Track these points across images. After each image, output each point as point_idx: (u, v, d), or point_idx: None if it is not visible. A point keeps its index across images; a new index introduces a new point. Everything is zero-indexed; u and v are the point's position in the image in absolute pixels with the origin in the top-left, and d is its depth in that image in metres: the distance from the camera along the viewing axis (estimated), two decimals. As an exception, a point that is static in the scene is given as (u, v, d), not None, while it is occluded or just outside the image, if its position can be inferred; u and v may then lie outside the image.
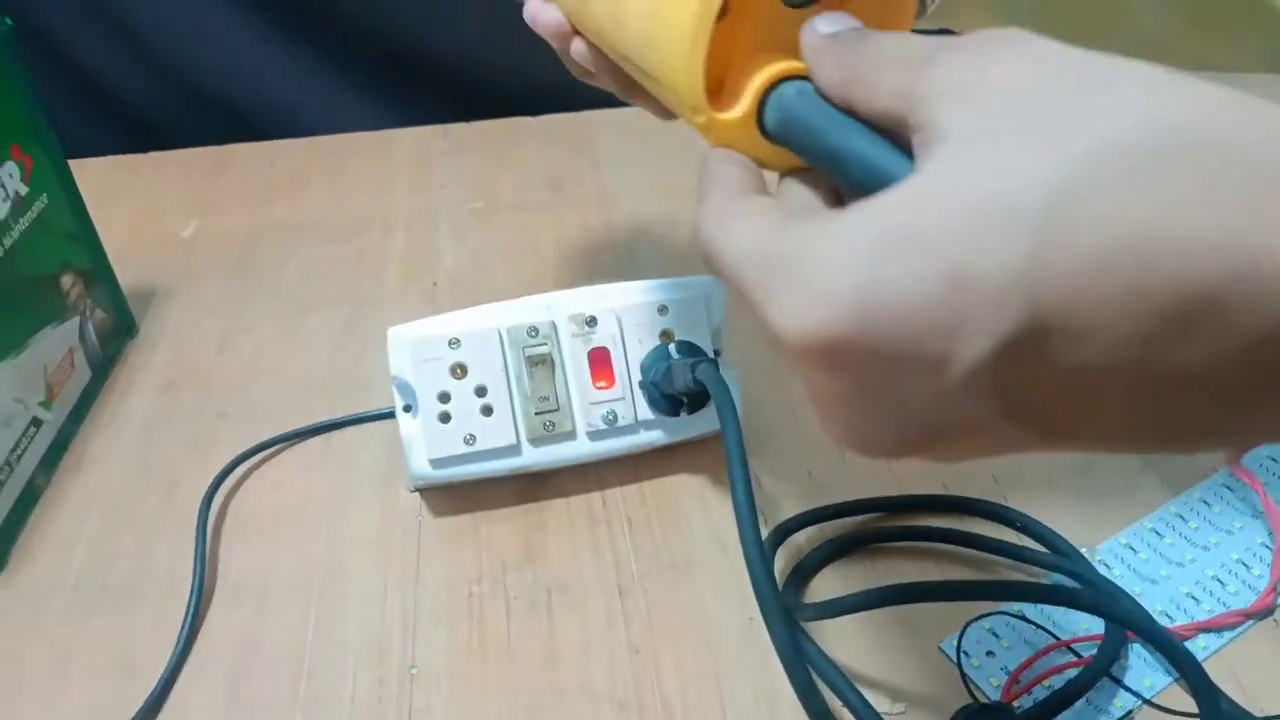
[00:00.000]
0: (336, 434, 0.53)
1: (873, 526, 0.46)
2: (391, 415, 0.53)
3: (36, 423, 0.51)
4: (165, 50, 0.81)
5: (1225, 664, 0.40)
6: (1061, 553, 0.44)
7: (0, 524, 0.47)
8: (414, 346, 0.46)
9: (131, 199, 0.74)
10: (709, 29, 0.28)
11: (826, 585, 0.44)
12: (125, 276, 0.61)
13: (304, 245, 0.68)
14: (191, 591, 0.45)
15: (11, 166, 0.50)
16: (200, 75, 0.82)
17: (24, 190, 0.51)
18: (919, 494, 0.47)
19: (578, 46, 0.38)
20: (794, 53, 0.28)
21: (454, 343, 0.46)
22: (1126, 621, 0.39)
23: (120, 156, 0.79)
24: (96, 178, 0.76)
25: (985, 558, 0.45)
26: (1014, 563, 0.44)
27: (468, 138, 0.81)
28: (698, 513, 0.48)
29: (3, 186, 0.49)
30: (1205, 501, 0.46)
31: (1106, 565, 0.44)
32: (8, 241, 0.49)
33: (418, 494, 0.50)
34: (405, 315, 0.61)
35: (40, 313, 0.52)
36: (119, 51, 0.81)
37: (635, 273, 0.64)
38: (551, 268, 0.65)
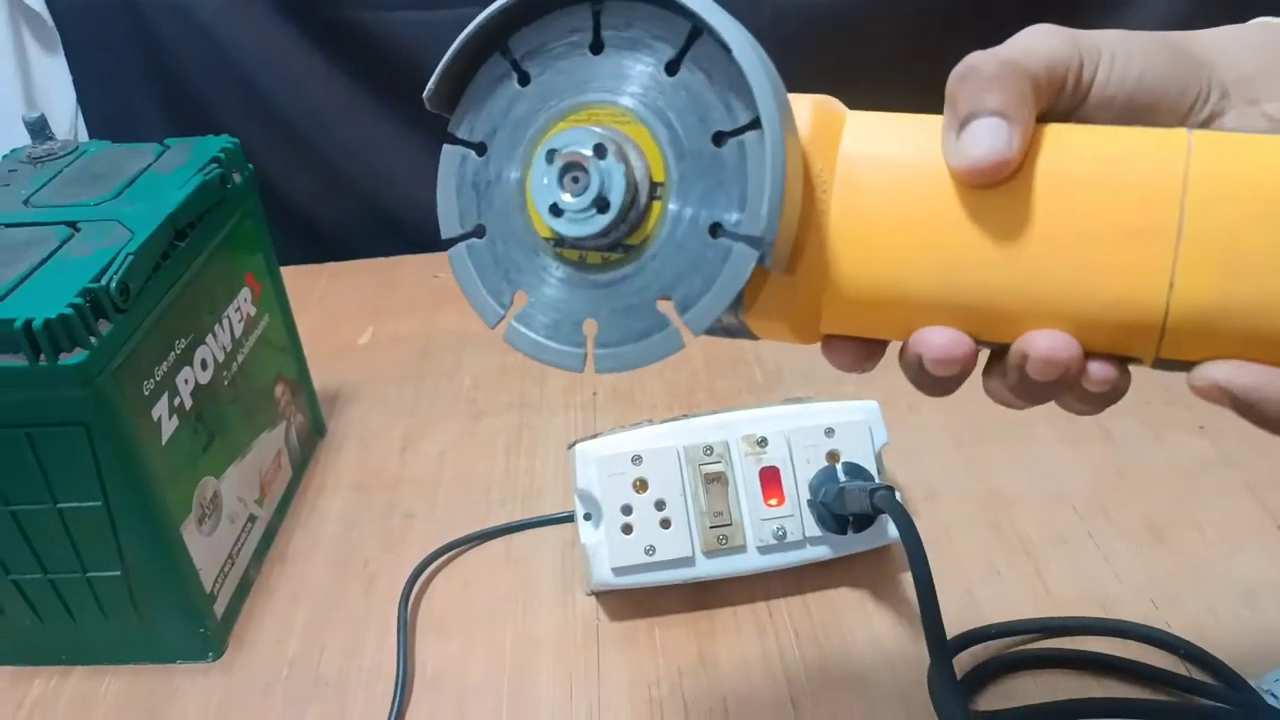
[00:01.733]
0: (516, 536, 0.58)
1: (1040, 648, 0.48)
2: (566, 520, 0.57)
3: (251, 519, 0.56)
4: (346, 169, 0.89)
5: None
6: (1229, 682, 0.45)
7: (223, 613, 0.52)
8: (600, 462, 0.50)
9: (313, 307, 0.82)
10: None
11: (991, 702, 0.46)
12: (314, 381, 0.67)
13: (473, 353, 0.74)
14: (396, 684, 0.49)
15: (246, 292, 0.57)
16: (375, 191, 0.90)
17: (253, 312, 0.57)
18: (1080, 616, 0.49)
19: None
20: None
21: (636, 459, 0.50)
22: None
23: (300, 266, 0.87)
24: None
25: (1152, 686, 0.46)
26: (1180, 693, 0.45)
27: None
28: (860, 626, 0.50)
29: (239, 309, 0.56)
30: (1374, 636, 0.47)
31: (1275, 695, 0.45)
32: (240, 358, 0.55)
33: (593, 597, 0.53)
34: (570, 423, 0.66)
35: (260, 420, 0.58)
36: (305, 168, 0.90)
37: (782, 390, 0.68)
38: (702, 381, 0.69)
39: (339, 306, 0.82)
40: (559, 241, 0.27)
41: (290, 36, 0.86)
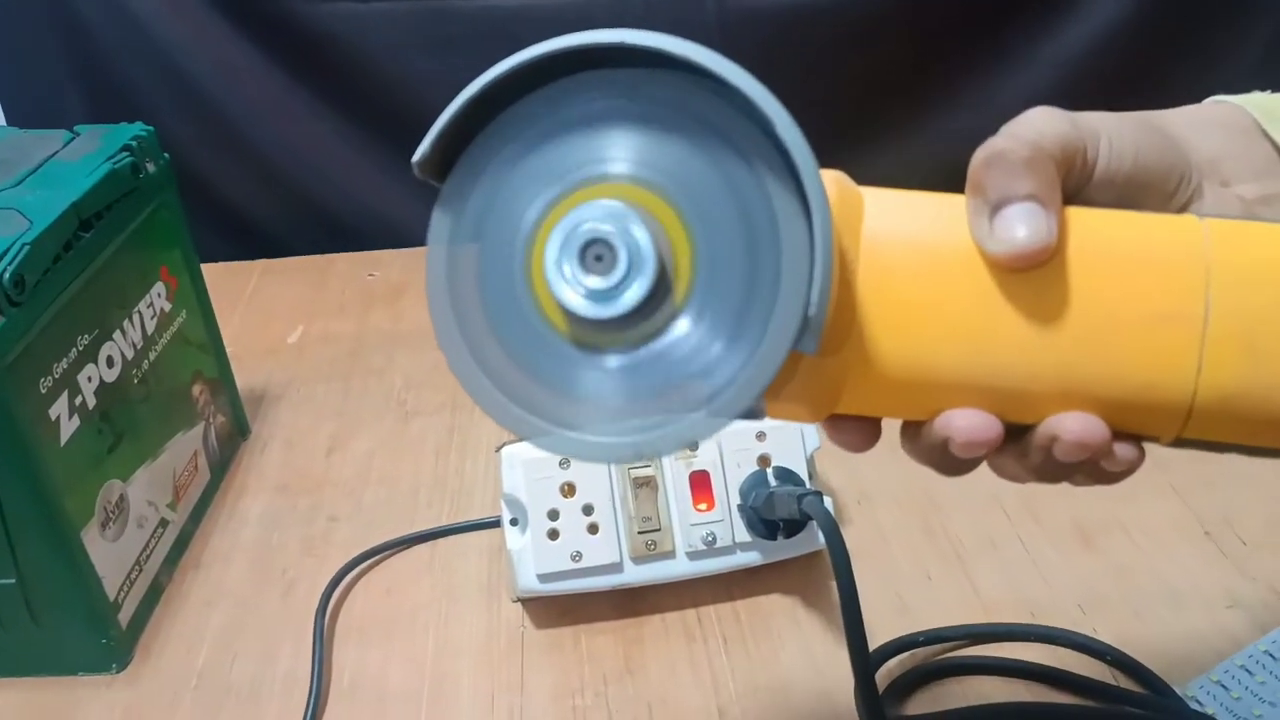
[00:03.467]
0: (442, 541, 0.56)
1: (968, 656, 0.47)
2: (493, 525, 0.56)
3: (163, 523, 0.54)
4: (280, 165, 0.87)
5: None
6: (1155, 689, 0.45)
7: (128, 622, 0.50)
8: (527, 466, 0.49)
9: (242, 304, 0.79)
10: None
11: (920, 708, 0.45)
12: (237, 380, 0.65)
13: (405, 353, 0.72)
14: (310, 693, 0.47)
15: (160, 286, 0.54)
16: (310, 186, 0.88)
17: (168, 307, 0.55)
18: (1009, 623, 0.49)
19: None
20: None
21: (564, 463, 0.49)
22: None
23: (230, 263, 0.84)
24: (210, 283, 0.81)
25: (1079, 693, 0.46)
26: (1107, 701, 0.45)
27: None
28: (790, 632, 0.50)
29: (152, 305, 0.53)
30: (1295, 640, 0.47)
31: (1199, 703, 0.45)
32: (152, 355, 0.53)
33: (519, 604, 0.52)
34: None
35: (174, 420, 0.56)
36: (237, 164, 0.87)
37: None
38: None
39: (269, 304, 0.80)
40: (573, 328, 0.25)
41: (224, 28, 0.83)
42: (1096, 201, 0.28)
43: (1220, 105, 0.32)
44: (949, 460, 0.28)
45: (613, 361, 0.25)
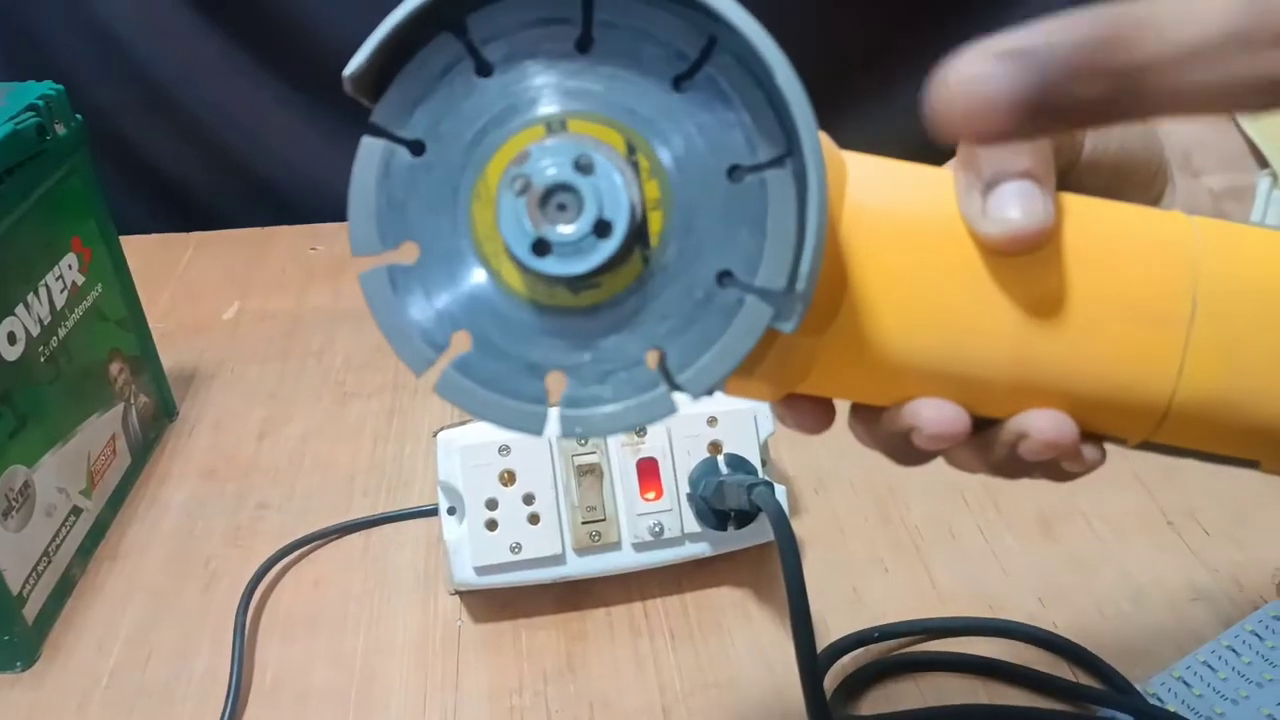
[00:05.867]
0: (376, 531, 0.53)
1: (924, 651, 0.45)
2: (432, 513, 0.53)
3: (76, 511, 0.51)
4: (217, 132, 0.83)
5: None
6: (1116, 686, 0.43)
7: (35, 617, 0.47)
8: (464, 452, 0.46)
9: (174, 279, 0.75)
10: None
11: (874, 707, 0.43)
12: (166, 358, 0.61)
13: (346, 332, 0.69)
14: (228, 695, 0.44)
15: (71, 258, 0.51)
16: (249, 156, 0.84)
17: (81, 280, 0.51)
18: (967, 616, 0.47)
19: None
20: None
21: (504, 449, 0.46)
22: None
23: (164, 235, 0.80)
24: (140, 256, 0.76)
25: (1037, 690, 0.44)
26: (1065, 698, 0.43)
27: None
28: (740, 627, 0.48)
29: (61, 278, 0.50)
30: (1257, 635, 0.46)
31: (1160, 699, 0.43)
32: (62, 332, 0.50)
33: (457, 597, 0.49)
34: (446, 409, 0.62)
35: (88, 401, 0.52)
36: (168, 130, 0.83)
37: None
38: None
39: (203, 279, 0.76)
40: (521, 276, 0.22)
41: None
42: (1082, 187, 0.26)
43: None
44: (908, 450, 0.26)
45: (556, 320, 0.22)
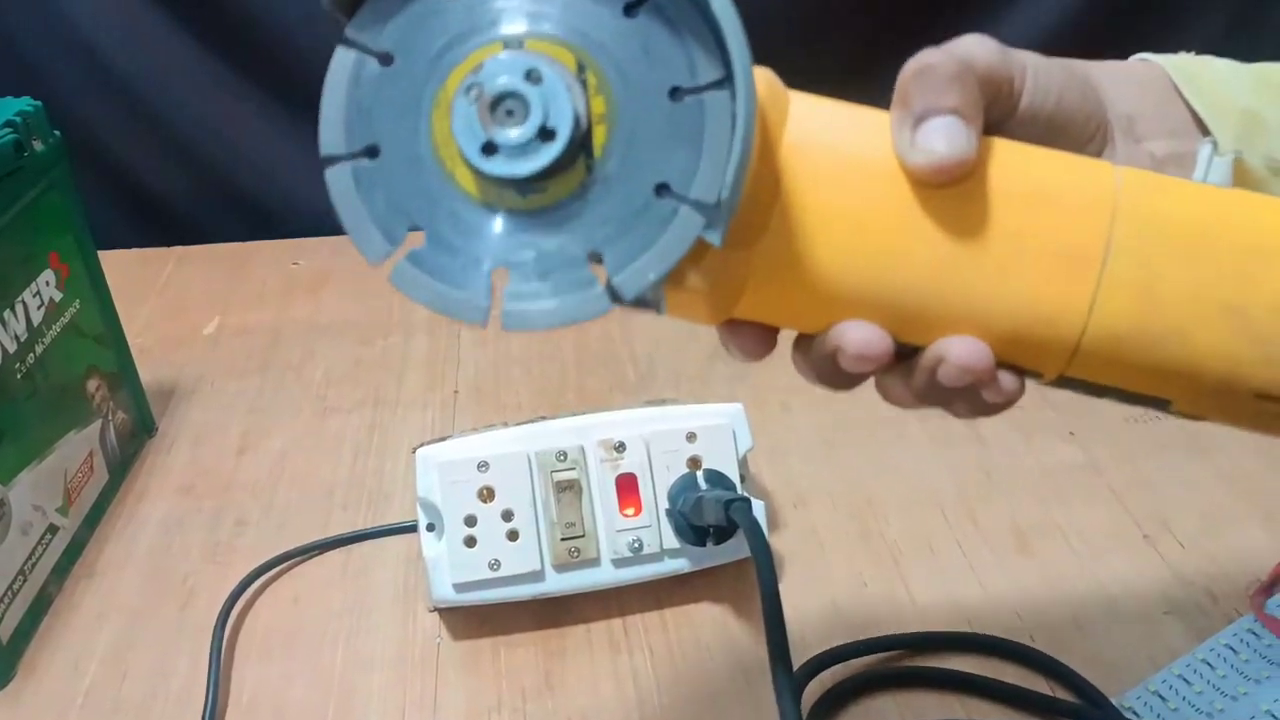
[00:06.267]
0: (356, 547, 0.53)
1: (902, 667, 0.46)
2: (411, 529, 0.53)
3: (52, 529, 0.50)
4: (198, 145, 0.83)
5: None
6: (1093, 701, 0.43)
7: (10, 635, 0.46)
8: (442, 469, 0.46)
9: (155, 294, 0.75)
10: None
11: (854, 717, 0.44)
12: (145, 374, 0.61)
13: (326, 345, 0.69)
14: (204, 713, 0.44)
15: (49, 274, 0.50)
16: (231, 169, 0.84)
17: (58, 297, 0.51)
18: (946, 631, 0.47)
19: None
20: None
21: (482, 466, 0.46)
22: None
23: (144, 250, 0.80)
24: (119, 271, 0.76)
25: (1014, 705, 0.44)
26: (1043, 714, 0.44)
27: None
28: (720, 642, 0.48)
29: (38, 294, 0.49)
30: (1231, 648, 0.46)
31: (1136, 714, 0.43)
32: (39, 349, 0.49)
33: (436, 614, 0.49)
34: (426, 423, 0.62)
35: (66, 418, 0.52)
36: (150, 143, 0.82)
37: (655, 388, 0.65)
38: (572, 380, 0.66)
39: (184, 294, 0.75)
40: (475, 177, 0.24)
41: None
42: (1018, 137, 0.28)
43: (1143, 63, 0.32)
44: (837, 374, 0.28)
45: (503, 221, 0.24)
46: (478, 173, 0.23)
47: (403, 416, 0.62)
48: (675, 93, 0.24)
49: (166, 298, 0.75)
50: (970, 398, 0.28)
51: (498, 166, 0.23)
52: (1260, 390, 0.28)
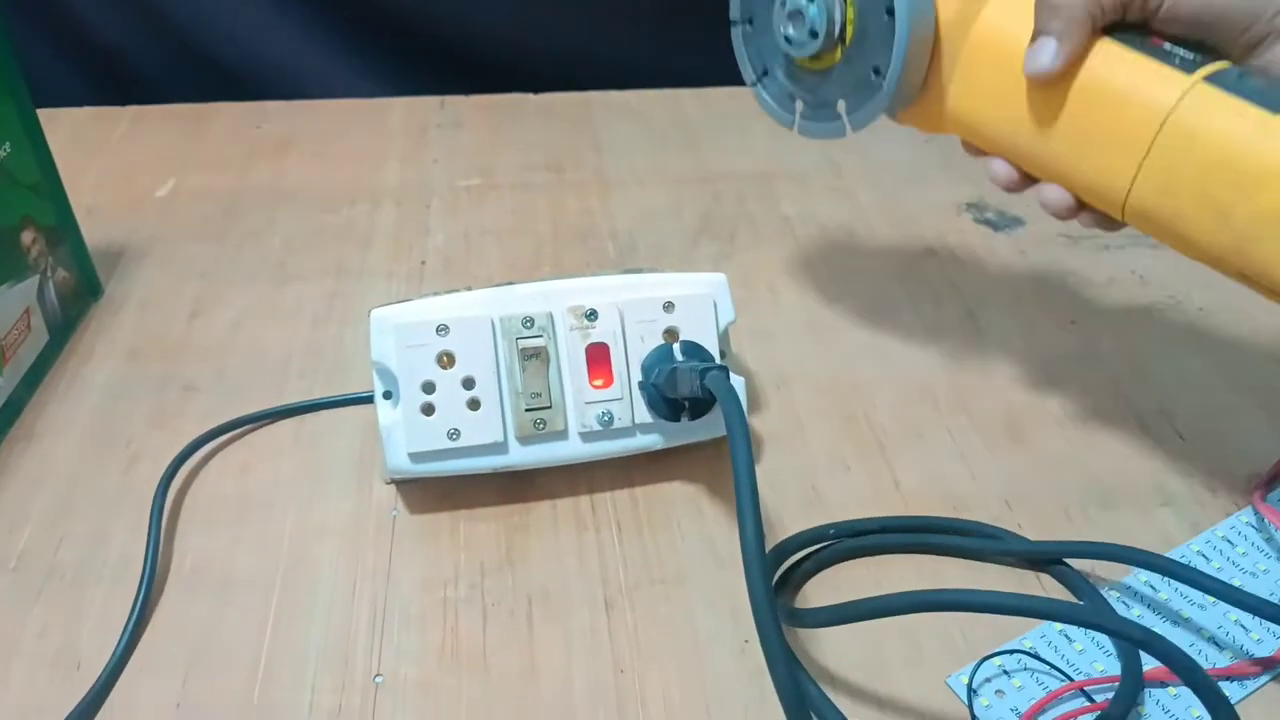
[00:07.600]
0: (310, 416, 0.50)
1: (879, 540, 0.43)
2: (370, 400, 0.50)
3: (-14, 387, 0.47)
4: (157, 3, 0.77)
5: (1246, 716, 0.37)
6: (1078, 590, 0.41)
7: (-60, 494, 0.44)
8: (399, 331, 0.43)
9: (106, 153, 0.71)
10: None
11: (824, 595, 0.41)
12: (93, 235, 0.57)
13: (288, 212, 0.65)
14: (142, 579, 0.41)
15: (-28, 109, 0.46)
16: (191, 28, 0.78)
17: (-15, 136, 0.47)
18: (928, 515, 0.45)
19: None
20: None
21: (442, 329, 0.43)
22: (1169, 660, 0.36)
23: (97, 108, 0.75)
24: (69, 129, 0.72)
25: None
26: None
27: (465, 111, 0.78)
28: (691, 521, 0.45)
29: (-39, 130, 0.45)
30: (1229, 540, 0.44)
31: (1125, 603, 0.41)
32: (-36, 190, 0.45)
33: (393, 486, 0.46)
34: (391, 293, 0.58)
35: (-3, 269, 0.48)
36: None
37: (635, 264, 0.61)
38: (548, 254, 0.62)
39: (139, 153, 0.71)
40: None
41: None
42: (1165, 30, 0.38)
43: None
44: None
45: (803, 75, 0.46)
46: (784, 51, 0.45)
47: (367, 286, 0.59)
48: (889, 12, 0.41)
49: (119, 157, 0.70)
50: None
51: (789, 49, 0.45)
52: (1240, 272, 0.37)
